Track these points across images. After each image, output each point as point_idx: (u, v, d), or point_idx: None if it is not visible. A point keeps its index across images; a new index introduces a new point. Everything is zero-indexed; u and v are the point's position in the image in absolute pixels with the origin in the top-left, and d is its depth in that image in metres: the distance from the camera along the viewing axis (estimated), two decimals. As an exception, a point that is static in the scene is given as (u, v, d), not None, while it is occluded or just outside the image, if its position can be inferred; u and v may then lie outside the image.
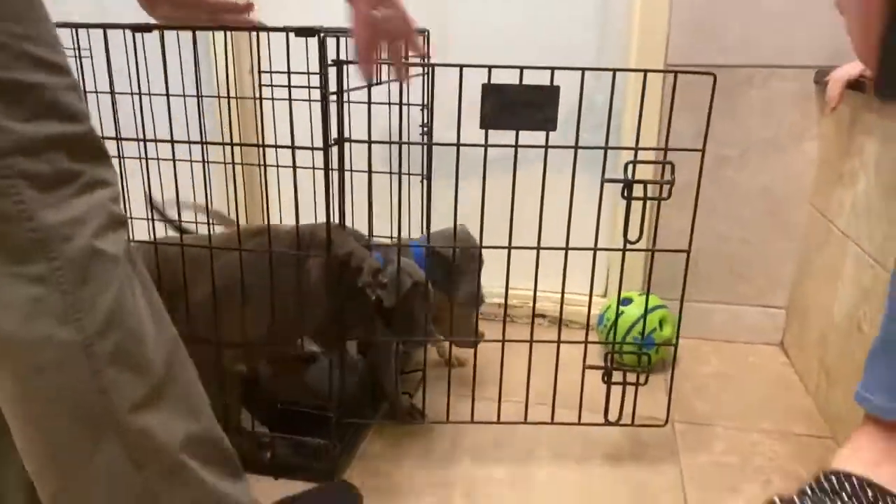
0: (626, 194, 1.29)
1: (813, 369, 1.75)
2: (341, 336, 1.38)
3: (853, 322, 1.52)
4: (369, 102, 1.35)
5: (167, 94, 1.23)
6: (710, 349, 2.02)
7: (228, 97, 2.00)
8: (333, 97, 1.22)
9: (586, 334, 1.47)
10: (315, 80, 1.21)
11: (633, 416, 1.47)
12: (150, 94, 1.34)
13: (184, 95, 1.41)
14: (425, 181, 1.87)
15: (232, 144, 1.33)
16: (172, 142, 1.28)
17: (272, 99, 1.53)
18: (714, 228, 1.98)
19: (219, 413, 1.05)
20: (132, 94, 1.33)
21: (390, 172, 1.83)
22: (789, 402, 1.74)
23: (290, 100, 1.26)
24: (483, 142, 1.27)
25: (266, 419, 1.48)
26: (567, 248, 1.34)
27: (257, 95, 1.55)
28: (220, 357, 1.35)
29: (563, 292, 1.38)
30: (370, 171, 1.51)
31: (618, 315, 1.77)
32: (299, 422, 1.44)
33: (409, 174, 1.91)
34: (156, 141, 1.28)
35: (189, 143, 1.31)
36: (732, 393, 1.77)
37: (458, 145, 1.27)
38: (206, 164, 1.37)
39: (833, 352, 1.62)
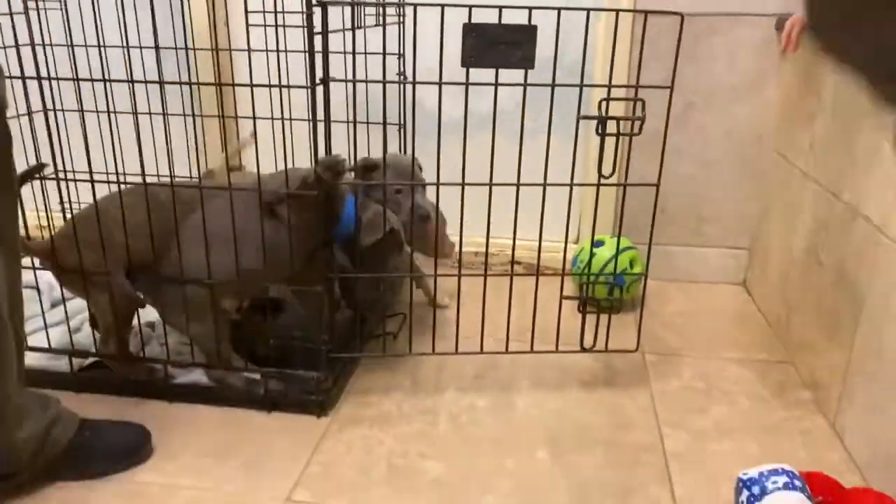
0: (600, 130, 1.35)
1: (774, 304, 1.86)
2: (328, 273, 1.43)
3: (811, 255, 1.62)
4: (353, 49, 1.39)
5: (156, 47, 1.26)
6: (677, 289, 2.11)
7: (215, 49, 2.01)
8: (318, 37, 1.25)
9: (563, 267, 1.55)
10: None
11: (606, 344, 1.55)
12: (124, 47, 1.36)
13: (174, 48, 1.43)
14: (402, 129, 1.93)
15: (219, 84, 1.36)
16: (161, 82, 1.31)
17: (250, 50, 1.55)
18: (680, 173, 2.06)
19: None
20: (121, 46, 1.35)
21: (367, 122, 1.87)
22: (751, 334, 1.84)
23: (276, 50, 1.29)
24: (464, 80, 1.31)
25: (259, 356, 1.53)
26: (545, 185, 1.40)
27: (246, 34, 1.57)
28: (213, 297, 1.40)
29: (541, 226, 1.45)
30: (354, 121, 1.55)
31: (592, 246, 1.84)
32: (291, 358, 1.50)
33: (385, 122, 1.96)
34: (135, 82, 1.31)
35: (179, 84, 1.33)
36: (698, 327, 1.87)
37: (440, 84, 1.31)
38: (194, 117, 1.40)
39: (793, 284, 1.72)
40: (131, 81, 1.30)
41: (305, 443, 1.36)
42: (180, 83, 1.39)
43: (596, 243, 1.92)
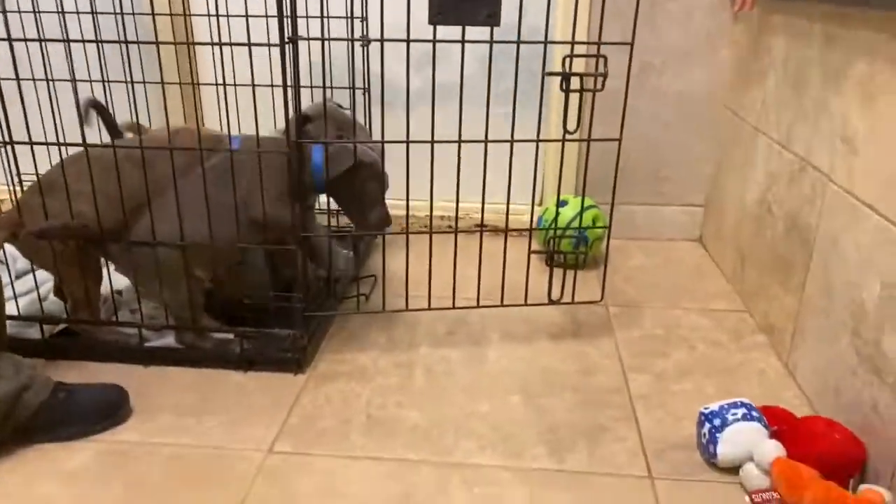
0: (564, 86, 1.39)
1: (729, 256, 1.94)
2: (303, 234, 1.45)
3: (763, 207, 1.69)
4: (324, 10, 1.40)
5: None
6: (637, 247, 2.19)
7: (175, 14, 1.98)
8: None
9: (531, 223, 1.59)
10: None
11: (572, 297, 1.61)
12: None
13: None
14: (366, 94, 1.94)
15: (190, 44, 1.36)
16: (126, 43, 1.30)
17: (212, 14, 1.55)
18: (639, 133, 2.12)
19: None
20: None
21: (332, 87, 1.88)
22: (708, 285, 1.93)
23: (244, 15, 1.29)
24: (431, 37, 1.34)
25: (234, 316, 1.55)
26: (512, 141, 1.44)
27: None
28: (185, 260, 1.41)
29: (509, 181, 1.49)
30: (330, 86, 1.56)
31: (558, 203, 1.89)
32: (266, 317, 1.52)
33: (351, 88, 1.97)
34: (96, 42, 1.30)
35: (158, 43, 1.32)
36: (658, 281, 1.95)
37: (407, 41, 1.33)
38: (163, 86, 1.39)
39: (746, 236, 1.81)
40: (67, 41, 1.30)
41: (284, 398, 1.39)
42: (125, 42, 1.38)
43: (560, 203, 1.97)
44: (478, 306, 1.59)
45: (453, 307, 1.58)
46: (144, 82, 1.77)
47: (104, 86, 1.61)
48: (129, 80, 1.36)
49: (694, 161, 2.15)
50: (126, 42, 1.32)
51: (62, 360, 1.49)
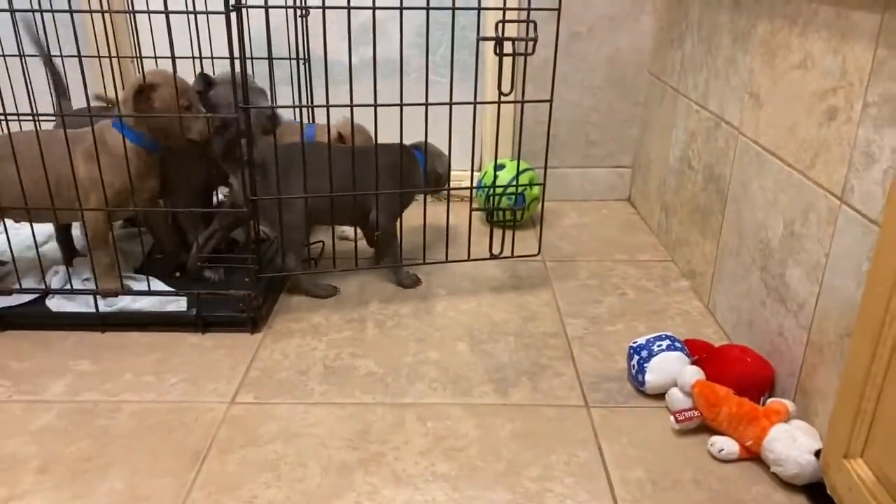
0: (498, 50, 1.48)
1: (655, 212, 2.09)
2: (250, 195, 1.50)
3: (684, 163, 1.83)
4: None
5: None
6: (570, 207, 2.31)
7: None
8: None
9: (471, 181, 1.68)
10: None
11: (512, 251, 1.72)
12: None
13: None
14: (304, 63, 1.99)
15: (132, 12, 1.38)
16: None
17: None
18: (568, 99, 2.23)
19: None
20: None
21: (271, 57, 1.91)
22: (636, 239, 2.06)
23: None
24: (371, 5, 1.40)
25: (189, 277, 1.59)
26: (451, 104, 1.52)
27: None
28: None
29: (449, 144, 1.57)
30: (269, 58, 1.60)
31: (496, 165, 1.99)
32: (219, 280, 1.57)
33: (293, 59, 2.01)
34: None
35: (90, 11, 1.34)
36: (590, 237, 2.07)
37: (348, 8, 1.39)
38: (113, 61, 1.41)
39: (670, 192, 1.94)
40: None
41: (242, 355, 1.45)
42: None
43: (497, 167, 2.07)
44: (423, 262, 1.67)
45: (400, 265, 1.66)
46: (80, 55, 1.77)
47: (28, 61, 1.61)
48: (78, 54, 1.38)
49: (620, 124, 2.28)
50: (59, 11, 1.33)
51: (19, 329, 1.51)
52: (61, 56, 1.72)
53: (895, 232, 0.71)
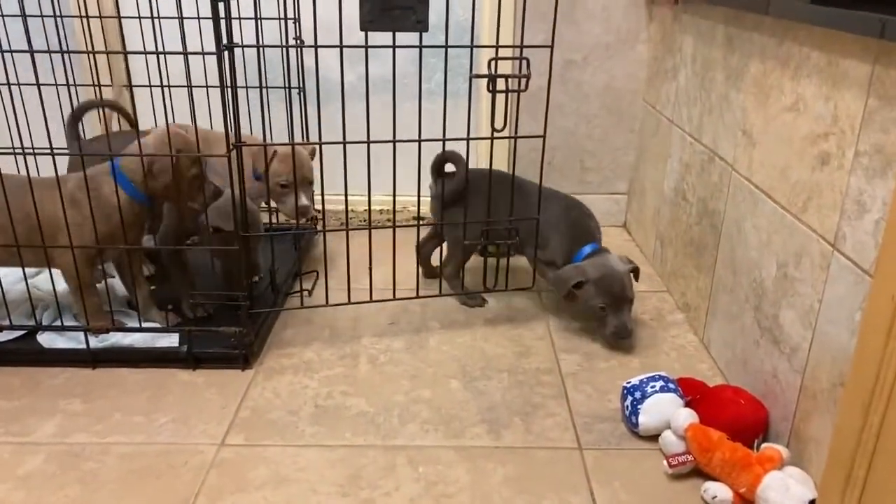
0: (490, 87, 1.48)
1: (650, 239, 2.08)
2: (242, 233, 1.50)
3: (679, 194, 1.83)
4: (258, 15, 1.44)
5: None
6: (567, 234, 2.30)
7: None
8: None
9: (464, 216, 1.68)
10: None
11: (506, 284, 1.71)
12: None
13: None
14: (301, 93, 1.99)
15: (126, 53, 1.38)
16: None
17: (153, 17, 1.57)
18: (563, 126, 2.23)
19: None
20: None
21: (267, 87, 1.91)
22: (632, 268, 2.05)
23: (179, 17, 1.33)
24: (364, 42, 1.40)
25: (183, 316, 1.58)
26: (444, 140, 1.52)
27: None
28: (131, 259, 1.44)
29: (443, 177, 1.57)
30: (266, 86, 1.61)
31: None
32: (211, 317, 1.56)
33: (287, 87, 2.01)
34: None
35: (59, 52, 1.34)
36: (587, 266, 2.07)
37: (340, 46, 1.39)
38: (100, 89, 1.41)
39: (665, 222, 1.94)
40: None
41: (233, 393, 1.44)
42: (61, 51, 1.40)
43: (492, 195, 2.06)
44: (417, 297, 1.67)
45: (394, 298, 1.65)
46: (76, 84, 1.77)
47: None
48: (68, 83, 1.38)
49: (615, 151, 2.28)
50: (61, 52, 1.33)
51: (9, 366, 1.50)
52: (56, 85, 1.72)
53: (886, 302, 0.70)
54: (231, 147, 1.40)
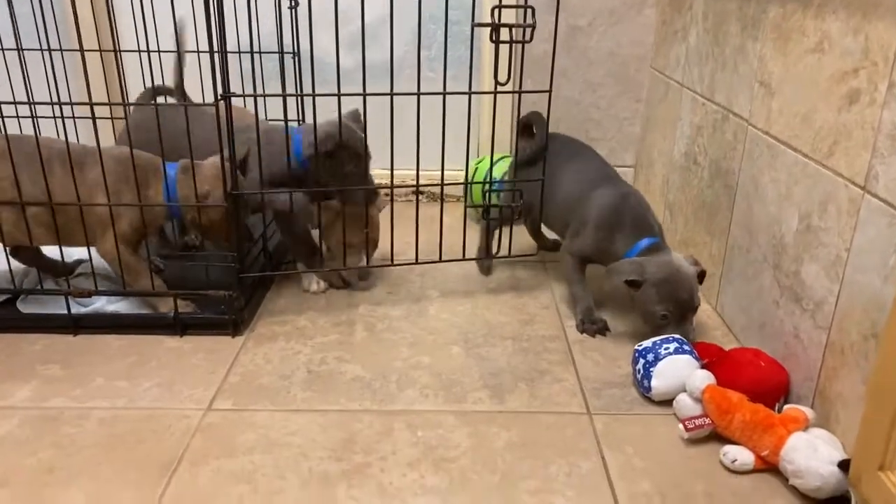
0: (494, 37, 1.40)
1: (658, 211, 2.00)
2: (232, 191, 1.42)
3: (690, 158, 1.75)
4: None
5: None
6: (572, 208, 2.22)
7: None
8: None
9: (465, 176, 1.60)
10: None
11: (509, 251, 1.63)
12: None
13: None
14: (295, 57, 1.91)
15: (125, 105, 1.31)
16: None
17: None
18: (568, 96, 2.15)
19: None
20: None
21: (260, 52, 1.83)
22: (640, 240, 1.97)
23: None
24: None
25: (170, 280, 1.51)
26: (444, 93, 1.44)
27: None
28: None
29: (443, 138, 1.49)
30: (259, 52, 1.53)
31: (492, 158, 1.91)
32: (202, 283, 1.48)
33: (280, 52, 1.93)
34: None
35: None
36: (593, 238, 1.99)
37: (336, -8, 1.32)
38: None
39: (674, 189, 1.86)
40: None
41: (222, 359, 1.36)
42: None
43: (494, 163, 1.98)
44: (416, 262, 1.59)
45: (392, 264, 1.58)
46: (62, 49, 1.70)
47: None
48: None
49: (623, 121, 2.20)
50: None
51: (-16, 332, 1.43)
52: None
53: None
54: (220, 97, 1.32)
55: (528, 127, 1.64)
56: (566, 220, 1.55)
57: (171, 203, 1.38)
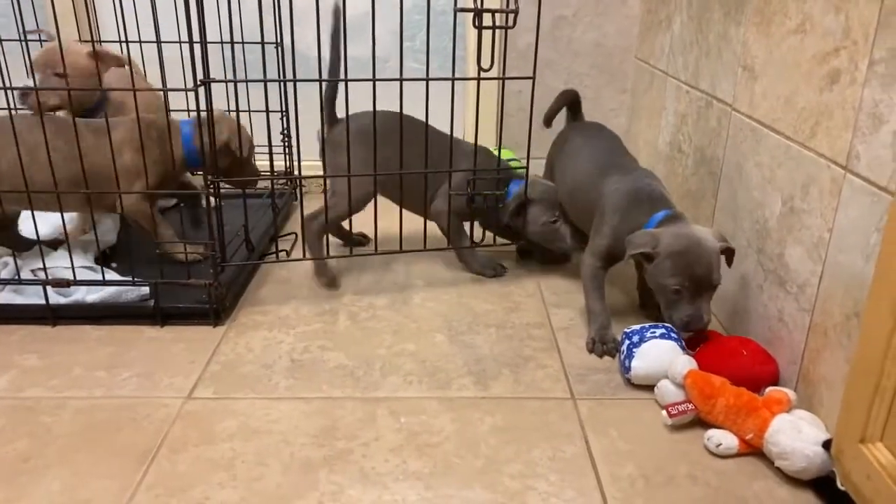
0: (476, 23, 1.39)
1: (644, 201, 1.99)
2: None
3: (674, 147, 1.75)
4: None
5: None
6: (558, 200, 2.22)
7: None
8: None
9: (450, 164, 1.59)
10: None
11: (494, 240, 1.62)
12: None
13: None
14: (278, 48, 1.89)
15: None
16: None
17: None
18: (553, 87, 2.14)
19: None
20: None
21: (242, 42, 1.82)
22: (626, 230, 1.97)
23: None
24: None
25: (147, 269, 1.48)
26: (427, 80, 1.43)
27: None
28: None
29: (426, 116, 1.48)
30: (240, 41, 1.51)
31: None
32: (181, 272, 1.46)
33: (262, 42, 1.91)
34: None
35: None
36: (579, 228, 1.98)
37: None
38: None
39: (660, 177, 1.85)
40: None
41: (203, 349, 1.34)
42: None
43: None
44: (401, 251, 1.58)
45: (376, 252, 1.56)
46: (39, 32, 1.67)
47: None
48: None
49: (608, 113, 2.19)
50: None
51: (-41, 324, 1.40)
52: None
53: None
54: (199, 83, 1.30)
55: (574, 104, 1.68)
56: (585, 207, 1.51)
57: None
